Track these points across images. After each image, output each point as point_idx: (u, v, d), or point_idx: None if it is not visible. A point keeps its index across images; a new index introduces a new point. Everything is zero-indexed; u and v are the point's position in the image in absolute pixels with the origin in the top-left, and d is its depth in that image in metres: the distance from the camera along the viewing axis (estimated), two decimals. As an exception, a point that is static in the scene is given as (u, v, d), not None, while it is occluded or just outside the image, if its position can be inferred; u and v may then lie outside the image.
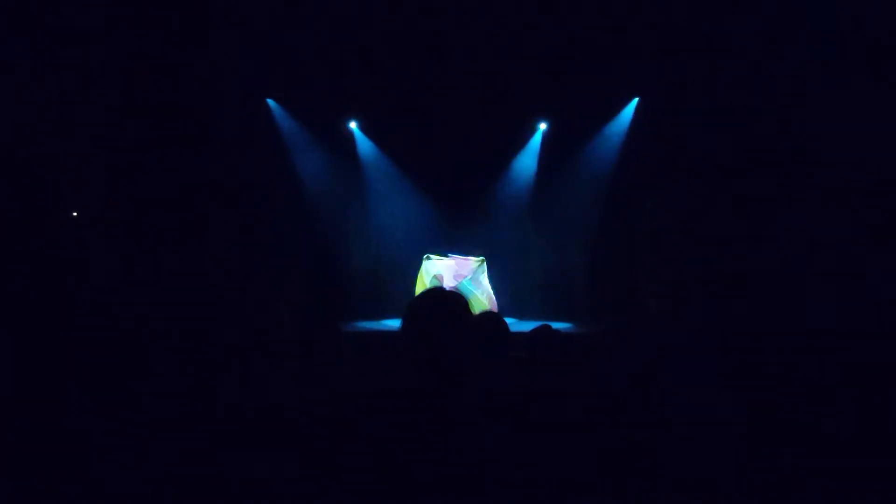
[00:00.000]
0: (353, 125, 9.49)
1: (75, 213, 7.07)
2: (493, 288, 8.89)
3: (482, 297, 8.65)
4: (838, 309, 4.52)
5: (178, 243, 7.25)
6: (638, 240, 8.45)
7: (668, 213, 7.86)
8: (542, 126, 9.38)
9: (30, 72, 6.36)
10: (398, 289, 9.15)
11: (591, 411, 2.16)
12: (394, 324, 8.37)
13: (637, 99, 8.67)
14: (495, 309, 8.29)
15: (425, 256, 8.89)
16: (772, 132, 6.66)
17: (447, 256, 8.93)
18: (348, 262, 9.75)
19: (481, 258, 8.88)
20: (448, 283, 8.57)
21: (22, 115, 6.28)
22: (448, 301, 1.75)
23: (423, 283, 8.78)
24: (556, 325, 3.21)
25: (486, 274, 8.85)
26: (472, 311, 1.85)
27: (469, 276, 8.77)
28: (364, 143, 9.66)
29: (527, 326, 3.83)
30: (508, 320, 2.45)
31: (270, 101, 8.94)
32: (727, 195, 7.10)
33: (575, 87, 8.12)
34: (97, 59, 6.83)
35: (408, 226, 9.72)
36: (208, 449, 1.93)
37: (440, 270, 8.79)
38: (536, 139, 9.52)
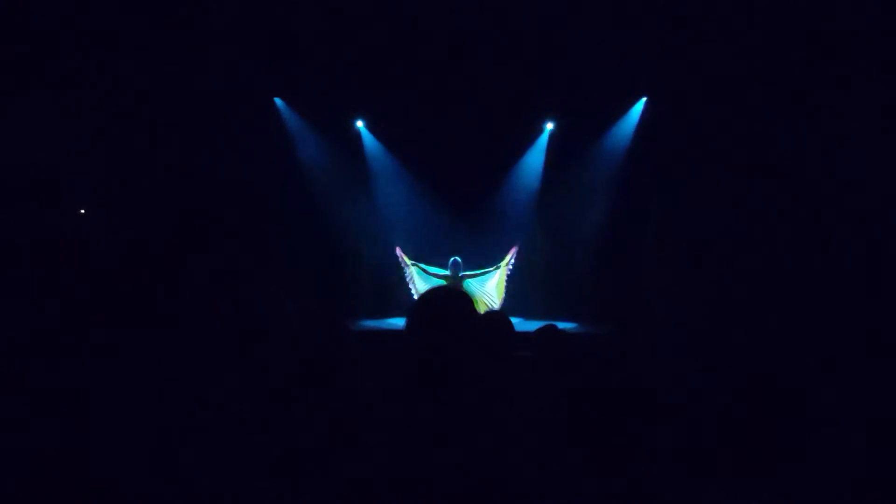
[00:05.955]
0: (359, 124, 9.50)
1: (83, 211, 7.11)
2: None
3: (484, 297, 8.54)
4: (839, 305, 4.51)
5: (184, 242, 7.28)
6: (644, 239, 8.43)
7: (674, 212, 7.84)
8: (549, 126, 9.37)
9: (35, 72, 6.40)
10: (404, 287, 9.15)
11: (597, 410, 2.16)
12: (399, 322, 8.38)
13: (645, 99, 8.65)
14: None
15: (412, 263, 8.68)
16: (777, 132, 6.65)
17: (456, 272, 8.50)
18: (355, 260, 9.77)
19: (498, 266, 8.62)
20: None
21: (28, 116, 6.33)
22: (453, 300, 1.75)
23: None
24: (561, 325, 3.21)
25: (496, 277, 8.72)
26: (478, 310, 1.85)
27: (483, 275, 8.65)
28: (371, 142, 9.68)
29: (532, 326, 3.84)
30: (514, 320, 2.45)
31: (278, 101, 8.97)
32: (732, 195, 7.08)
33: (582, 86, 8.10)
34: (105, 58, 6.87)
35: (413, 225, 9.72)
36: (209, 447, 1.94)
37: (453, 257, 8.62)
38: (543, 139, 9.52)
